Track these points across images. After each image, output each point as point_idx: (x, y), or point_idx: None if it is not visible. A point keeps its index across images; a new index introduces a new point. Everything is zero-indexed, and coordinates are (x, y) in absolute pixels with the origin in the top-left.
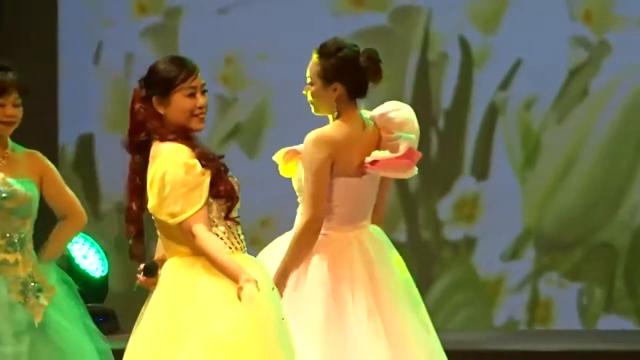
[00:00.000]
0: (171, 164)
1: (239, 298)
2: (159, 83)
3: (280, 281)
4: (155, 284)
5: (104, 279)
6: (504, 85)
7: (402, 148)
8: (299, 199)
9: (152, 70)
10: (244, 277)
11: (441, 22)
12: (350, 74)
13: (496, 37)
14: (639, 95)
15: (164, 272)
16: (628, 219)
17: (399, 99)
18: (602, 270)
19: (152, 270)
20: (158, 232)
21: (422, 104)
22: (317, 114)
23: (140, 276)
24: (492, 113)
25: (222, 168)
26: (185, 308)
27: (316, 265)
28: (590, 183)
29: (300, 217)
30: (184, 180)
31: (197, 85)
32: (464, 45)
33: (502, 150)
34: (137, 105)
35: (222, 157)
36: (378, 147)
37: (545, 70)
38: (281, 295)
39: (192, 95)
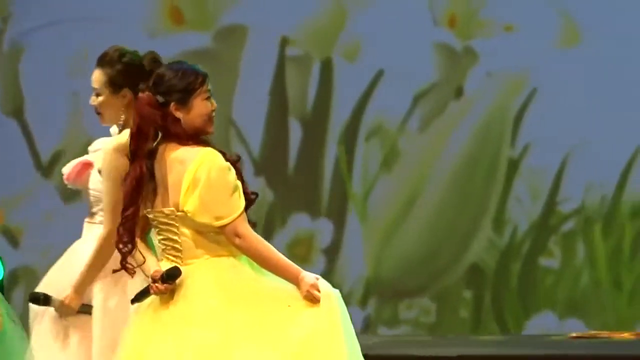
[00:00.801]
0: (213, 167)
1: (312, 296)
2: (179, 89)
3: (78, 294)
4: (172, 290)
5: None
6: (364, 99)
7: None
8: (94, 209)
9: (168, 77)
10: (307, 275)
11: (291, 37)
12: (138, 78)
13: (354, 46)
14: (502, 104)
15: (198, 273)
16: (495, 237)
17: (228, 122)
18: (466, 297)
19: (175, 277)
20: (172, 235)
21: (271, 127)
22: (104, 125)
23: (157, 284)
24: (349, 133)
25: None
26: (248, 311)
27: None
28: (445, 206)
29: (103, 228)
30: (228, 183)
31: (209, 89)
32: (324, 62)
33: (359, 176)
34: (152, 112)
35: (239, 159)
36: None
37: (408, 81)
38: (75, 309)
39: (208, 99)
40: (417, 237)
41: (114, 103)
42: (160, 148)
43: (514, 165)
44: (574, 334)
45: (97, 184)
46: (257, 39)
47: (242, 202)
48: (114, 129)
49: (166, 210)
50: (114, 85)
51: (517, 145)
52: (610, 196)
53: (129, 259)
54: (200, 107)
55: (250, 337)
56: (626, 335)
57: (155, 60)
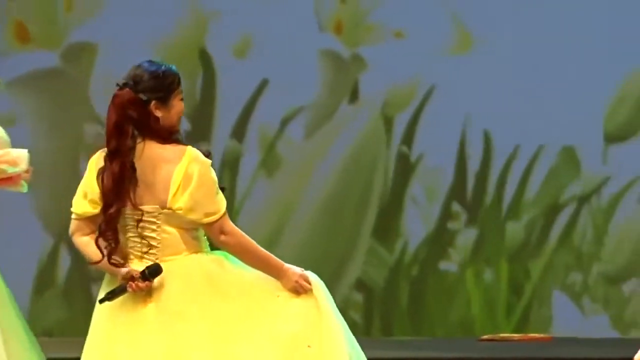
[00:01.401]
0: (202, 166)
1: (300, 287)
2: (162, 87)
3: None
4: (149, 288)
5: None
6: (247, 111)
7: (24, 163)
8: None
9: (150, 75)
10: (292, 267)
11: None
12: None
13: (237, 54)
14: (392, 112)
15: (181, 269)
16: (384, 251)
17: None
18: (357, 302)
19: (158, 274)
20: (149, 232)
21: None
22: None
23: (137, 282)
24: (235, 146)
25: None
26: (239, 304)
27: None
28: (326, 218)
29: None
30: (214, 180)
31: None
32: (206, 66)
33: (243, 186)
34: (133, 109)
35: (210, 155)
36: None
37: (293, 92)
38: None
39: (182, 99)
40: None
41: None
42: (139, 146)
43: (407, 173)
44: (484, 337)
45: None
46: (107, 56)
47: (224, 200)
48: None
49: (148, 207)
50: None
51: (408, 153)
52: (511, 197)
53: (114, 257)
54: (178, 107)
55: (246, 330)
56: (538, 337)
57: None
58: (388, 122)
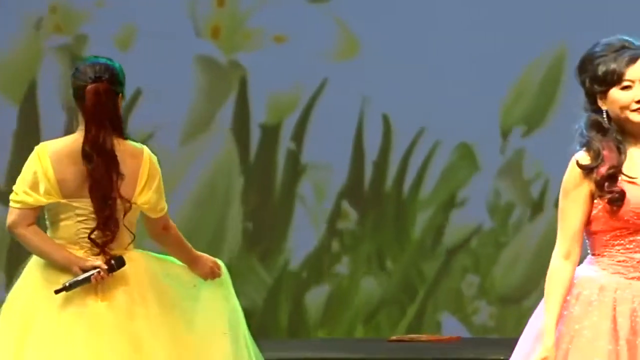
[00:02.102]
0: (156, 162)
1: (212, 274)
2: (124, 81)
3: None
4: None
5: None
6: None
7: None
8: None
9: (116, 69)
10: (204, 255)
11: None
12: None
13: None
14: (274, 120)
15: (131, 264)
16: (264, 271)
17: None
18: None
19: (123, 265)
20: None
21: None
22: None
23: (103, 273)
24: None
25: None
26: (173, 299)
27: None
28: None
29: None
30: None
31: None
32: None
33: None
34: (111, 101)
35: None
36: None
37: (167, 100)
38: None
39: None
40: None
41: None
42: (114, 141)
43: (296, 175)
44: (393, 337)
45: None
46: None
47: None
48: None
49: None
50: None
51: (297, 153)
52: (406, 195)
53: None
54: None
55: (181, 323)
56: (446, 338)
57: None
58: (271, 129)
